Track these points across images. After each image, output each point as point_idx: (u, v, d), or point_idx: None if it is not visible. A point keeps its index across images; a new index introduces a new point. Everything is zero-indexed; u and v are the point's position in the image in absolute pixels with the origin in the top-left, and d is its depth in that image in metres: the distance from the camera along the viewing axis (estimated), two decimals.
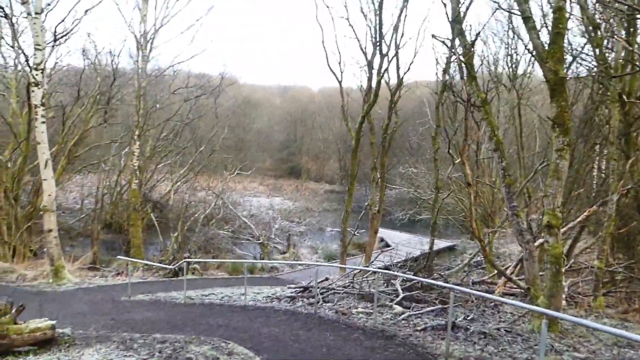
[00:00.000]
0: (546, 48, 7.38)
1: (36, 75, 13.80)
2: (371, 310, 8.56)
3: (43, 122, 14.03)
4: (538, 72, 19.82)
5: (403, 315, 8.41)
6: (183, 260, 11.34)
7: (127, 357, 6.49)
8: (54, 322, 7.36)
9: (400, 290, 9.71)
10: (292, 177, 60.49)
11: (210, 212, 28.53)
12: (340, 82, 16.27)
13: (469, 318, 8.31)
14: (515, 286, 9.95)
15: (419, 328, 7.65)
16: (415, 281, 9.85)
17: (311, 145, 62.86)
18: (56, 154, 19.68)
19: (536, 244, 8.83)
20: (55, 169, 22.25)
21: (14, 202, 17.62)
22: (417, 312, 8.68)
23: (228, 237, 26.00)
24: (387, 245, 27.24)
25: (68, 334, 7.72)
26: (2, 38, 20.07)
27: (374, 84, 15.61)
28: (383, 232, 30.54)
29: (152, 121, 24.65)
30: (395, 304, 9.14)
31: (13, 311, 7.35)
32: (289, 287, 11.13)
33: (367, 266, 12.39)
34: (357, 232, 30.74)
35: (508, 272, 11.08)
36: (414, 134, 33.67)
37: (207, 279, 17.37)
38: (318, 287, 10.09)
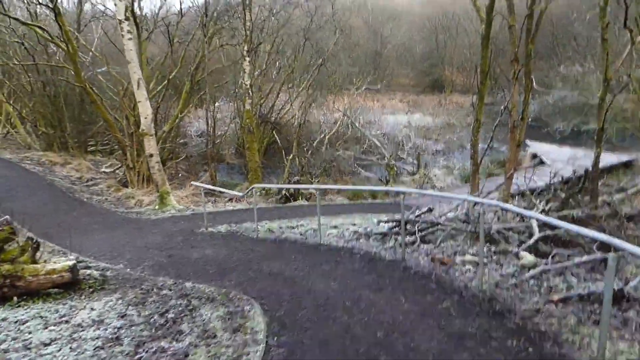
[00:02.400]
0: None
1: None
2: (484, 260, 5.70)
3: (130, 39, 13.02)
4: None
5: (532, 272, 5.42)
6: (252, 187, 9.62)
7: (124, 318, 4.92)
8: (72, 262, 6.18)
9: (535, 228, 6.55)
10: (435, 91, 55.01)
11: (336, 133, 26.73)
12: None
13: None
14: None
15: (555, 298, 4.67)
16: (556, 215, 6.58)
17: (455, 54, 55.77)
18: (167, 78, 19.31)
19: None
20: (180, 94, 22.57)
21: (134, 129, 17.76)
22: (559, 264, 5.57)
23: (353, 159, 23.98)
24: (542, 163, 22.47)
25: (95, 277, 6.58)
26: None
27: None
28: (537, 147, 25.50)
29: (268, 36, 22.97)
30: (524, 250, 6.09)
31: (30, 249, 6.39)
32: (380, 221, 8.68)
33: (482, 194, 9.12)
34: (506, 148, 26.24)
35: None
36: (580, 25, 26.57)
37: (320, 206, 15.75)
38: (410, 223, 7.43)
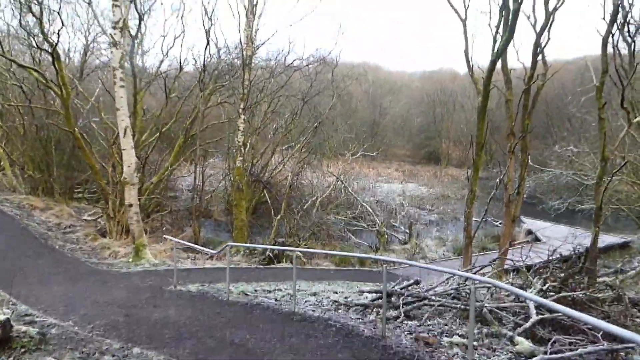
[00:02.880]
0: None
1: (114, 34, 12.64)
2: (474, 342, 5.01)
3: (122, 86, 12.86)
4: None
5: None
6: (225, 245, 8.95)
7: None
8: (4, 317, 5.41)
9: (532, 309, 5.89)
10: (431, 163, 55.54)
11: (329, 196, 26.30)
12: (464, 21, 12.16)
13: None
14: None
15: None
16: (555, 296, 5.97)
17: (452, 129, 56.91)
18: (161, 128, 19.14)
19: None
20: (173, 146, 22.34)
21: (117, 177, 17.28)
22: (559, 354, 4.87)
23: (343, 224, 23.37)
24: (537, 240, 21.92)
25: (32, 335, 5.77)
26: None
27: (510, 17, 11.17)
28: (532, 224, 25.09)
29: (265, 97, 23.16)
30: (520, 334, 5.40)
31: None
32: (362, 292, 7.98)
33: (475, 269, 8.49)
34: (500, 223, 25.77)
35: None
36: (575, 106, 27.08)
37: (303, 270, 15.02)
38: (395, 295, 6.76)
